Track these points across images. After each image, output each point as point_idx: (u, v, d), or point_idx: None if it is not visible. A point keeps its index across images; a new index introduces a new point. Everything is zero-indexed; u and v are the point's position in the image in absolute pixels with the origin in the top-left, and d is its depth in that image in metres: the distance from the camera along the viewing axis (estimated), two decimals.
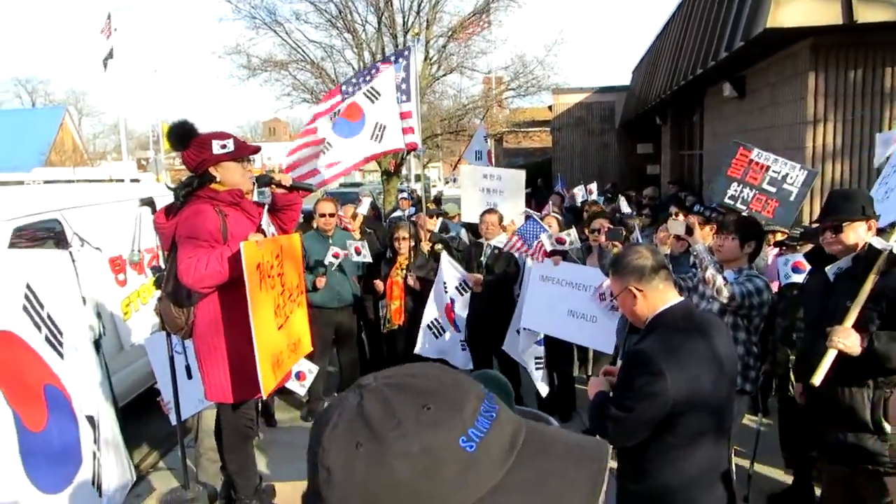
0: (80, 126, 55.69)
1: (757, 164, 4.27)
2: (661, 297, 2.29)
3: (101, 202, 4.91)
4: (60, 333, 3.08)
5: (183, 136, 3.05)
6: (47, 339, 2.96)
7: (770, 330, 3.91)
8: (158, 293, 2.99)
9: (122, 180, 29.69)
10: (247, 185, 3.22)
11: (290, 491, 3.18)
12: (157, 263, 3.25)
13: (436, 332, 5.45)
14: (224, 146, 3.04)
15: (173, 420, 3.76)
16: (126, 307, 5.11)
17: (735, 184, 4.28)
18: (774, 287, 4.09)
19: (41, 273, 2.97)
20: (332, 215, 5.84)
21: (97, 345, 4.70)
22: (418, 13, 17.74)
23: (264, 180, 3.24)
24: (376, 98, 5.91)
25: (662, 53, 13.74)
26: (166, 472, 4.52)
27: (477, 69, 19.07)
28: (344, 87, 6.38)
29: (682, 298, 2.38)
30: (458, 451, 0.60)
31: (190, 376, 3.21)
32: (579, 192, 11.51)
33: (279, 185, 3.20)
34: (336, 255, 5.49)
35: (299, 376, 4.59)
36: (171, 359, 3.08)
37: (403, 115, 6.23)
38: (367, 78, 6.20)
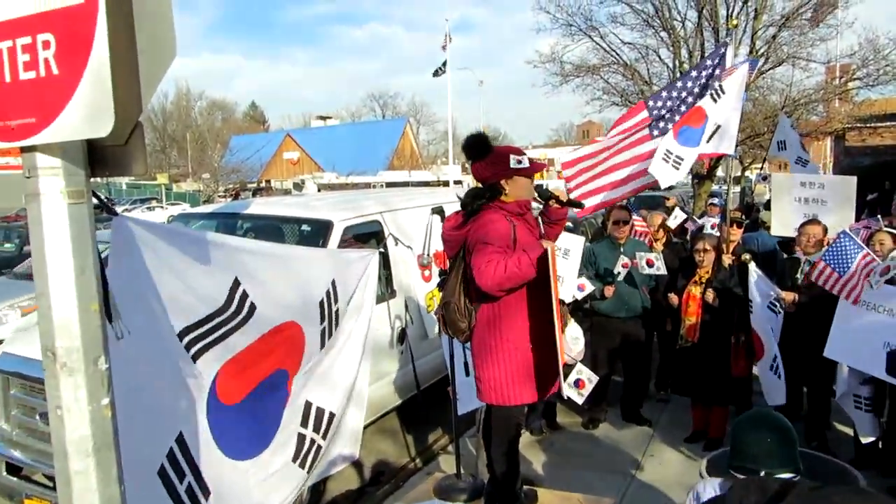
0: (418, 134, 63.34)
1: None
2: None
3: (411, 206, 5.54)
4: (335, 327, 3.34)
5: (479, 148, 3.26)
6: (322, 331, 3.23)
7: None
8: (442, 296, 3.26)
9: (448, 182, 32.76)
10: (531, 199, 3.34)
11: (551, 498, 3.21)
12: (443, 267, 3.59)
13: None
14: (520, 161, 3.20)
15: (460, 410, 4.06)
16: (430, 300, 5.68)
17: None
18: None
19: (349, 270, 3.37)
20: (625, 223, 5.71)
21: (402, 333, 5.35)
22: (745, 2, 16.30)
23: (545, 195, 3.35)
24: (720, 97, 5.67)
25: None
26: (453, 458, 4.92)
27: (813, 59, 16.81)
28: (651, 103, 6.20)
29: None
30: None
31: (468, 373, 3.44)
32: None
33: (557, 199, 3.27)
34: (625, 266, 5.35)
35: (578, 384, 4.58)
36: (452, 356, 3.34)
37: None
38: (706, 80, 5.96)
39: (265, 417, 3.14)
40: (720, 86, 5.69)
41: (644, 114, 6.20)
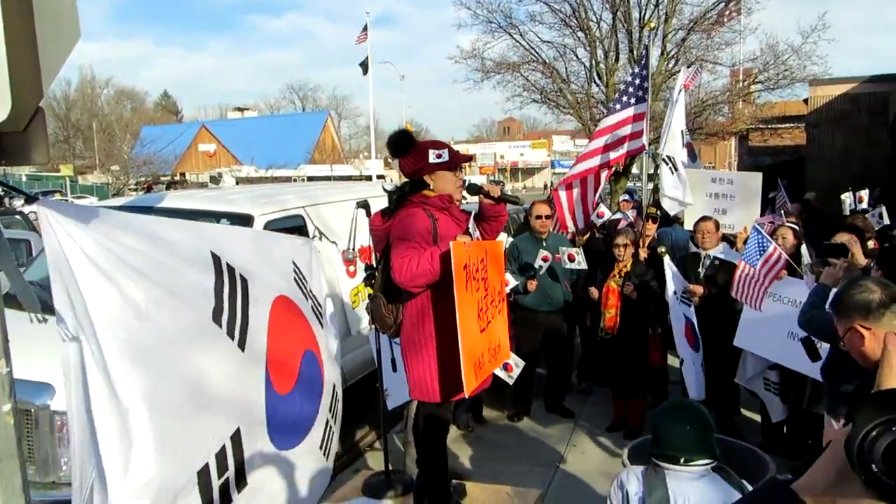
0: (339, 128, 62.51)
1: None
2: None
3: (335, 200, 5.43)
4: (321, 306, 3.54)
5: (400, 144, 3.23)
6: (313, 308, 3.41)
7: None
8: (370, 292, 3.22)
9: (371, 177, 32.51)
10: (457, 193, 3.32)
11: (479, 492, 3.22)
12: (369, 262, 3.52)
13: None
14: (439, 156, 3.17)
15: (389, 405, 4.00)
16: (354, 296, 5.60)
17: None
18: None
19: (299, 255, 3.44)
20: (547, 217, 5.81)
21: None
22: (657, 6, 16.94)
23: (474, 189, 3.33)
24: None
25: None
26: (381, 454, 4.87)
27: (720, 62, 17.69)
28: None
29: None
30: None
31: (395, 369, 3.41)
32: (847, 199, 10.08)
33: (487, 195, 3.26)
34: (545, 259, 5.43)
35: (507, 367, 4.60)
36: (379, 352, 3.30)
37: (639, 118, 6.14)
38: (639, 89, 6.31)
39: (308, 404, 3.17)
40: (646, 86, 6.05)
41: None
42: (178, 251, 2.39)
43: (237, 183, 31.52)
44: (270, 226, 4.86)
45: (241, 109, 66.12)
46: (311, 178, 34.65)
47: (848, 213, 9.56)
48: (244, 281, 2.73)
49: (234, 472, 2.49)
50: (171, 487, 2.12)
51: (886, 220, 8.52)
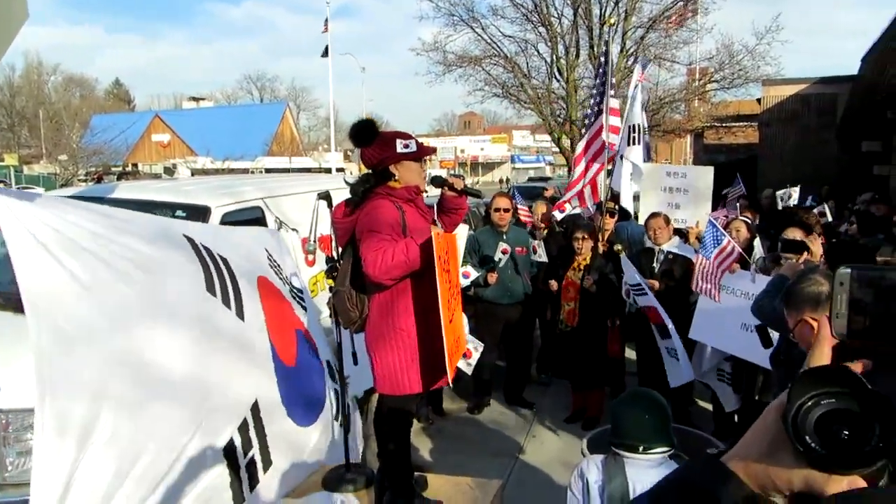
0: (298, 119, 61.65)
1: None
2: None
3: (295, 192, 5.35)
4: (301, 291, 3.56)
5: (364, 133, 3.18)
6: (291, 292, 3.42)
7: None
8: (331, 285, 3.17)
9: (330, 170, 32.13)
10: (423, 184, 3.30)
11: (442, 484, 3.22)
12: (329, 253, 3.51)
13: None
14: (407, 146, 3.13)
15: (351, 391, 3.93)
16: (313, 286, 5.54)
17: None
18: None
19: (270, 243, 3.49)
20: (506, 210, 5.84)
21: None
22: (616, 3, 17.19)
23: (438, 181, 3.31)
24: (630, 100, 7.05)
25: None
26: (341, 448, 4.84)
27: (677, 60, 18.07)
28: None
29: None
30: None
31: (356, 363, 3.38)
32: (784, 195, 10.40)
33: (451, 187, 3.24)
34: (505, 252, 5.46)
35: (466, 354, 4.60)
36: (340, 345, 3.26)
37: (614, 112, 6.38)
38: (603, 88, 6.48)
39: (315, 378, 3.21)
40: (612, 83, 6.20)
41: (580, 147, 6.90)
42: (149, 232, 2.37)
43: (192, 174, 30.80)
44: (228, 217, 4.75)
45: (196, 99, 64.53)
46: (269, 170, 34.09)
47: (780, 209, 9.84)
48: (224, 260, 2.71)
49: (259, 448, 2.49)
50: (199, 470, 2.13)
51: (829, 217, 8.83)
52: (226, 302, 2.55)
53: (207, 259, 2.61)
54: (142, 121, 54.33)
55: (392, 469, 3.03)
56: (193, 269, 2.46)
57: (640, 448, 2.34)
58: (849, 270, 0.70)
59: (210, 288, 2.48)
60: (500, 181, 47.58)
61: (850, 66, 31.87)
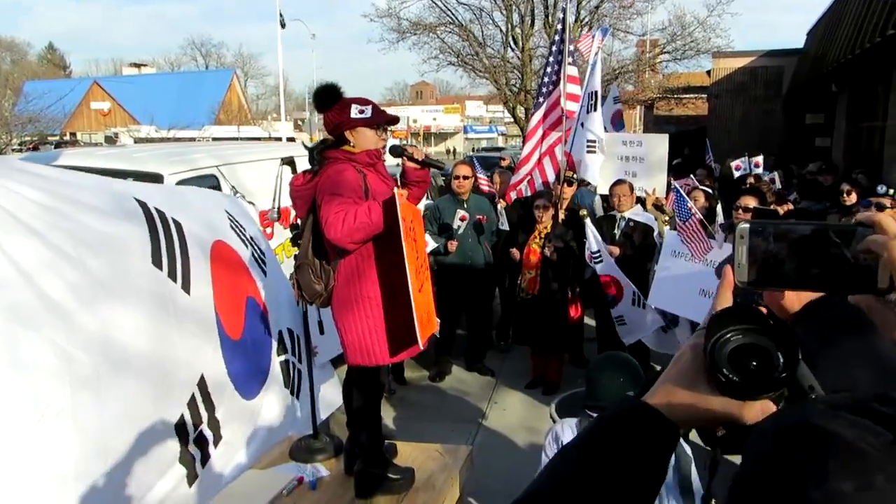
0: (246, 87, 59.90)
1: None
2: None
3: (251, 160, 5.20)
4: (263, 254, 3.50)
5: (327, 98, 3.08)
6: (253, 255, 3.36)
7: None
8: (294, 260, 3.09)
9: (280, 139, 31.55)
10: (380, 149, 3.22)
11: (410, 451, 3.23)
12: (287, 225, 3.45)
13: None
14: (361, 111, 3.04)
15: (321, 360, 3.86)
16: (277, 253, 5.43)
17: None
18: None
19: (231, 205, 3.43)
20: (465, 178, 5.81)
21: None
22: None
23: (396, 151, 3.22)
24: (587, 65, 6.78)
25: (847, 12, 12.24)
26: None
27: (631, 31, 18.18)
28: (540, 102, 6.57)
29: None
30: None
31: (322, 332, 3.33)
32: (742, 165, 10.65)
33: (411, 158, 3.16)
34: (463, 219, 5.45)
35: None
36: (305, 314, 3.20)
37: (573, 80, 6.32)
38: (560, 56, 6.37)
39: (263, 350, 3.19)
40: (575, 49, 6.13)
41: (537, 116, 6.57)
42: (100, 200, 2.27)
43: (136, 143, 29.70)
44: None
45: (137, 65, 61.86)
46: (216, 139, 33.12)
47: (737, 177, 10.11)
48: (178, 224, 2.63)
49: (208, 422, 2.49)
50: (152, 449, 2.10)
51: (778, 185, 9.11)
52: (172, 275, 2.53)
53: (159, 225, 2.57)
54: (80, 88, 51.73)
55: (363, 438, 3.01)
56: (141, 241, 2.42)
57: None
58: (747, 225, 0.76)
59: (157, 261, 2.46)
60: (448, 151, 47.50)
61: (795, 40, 32.69)
